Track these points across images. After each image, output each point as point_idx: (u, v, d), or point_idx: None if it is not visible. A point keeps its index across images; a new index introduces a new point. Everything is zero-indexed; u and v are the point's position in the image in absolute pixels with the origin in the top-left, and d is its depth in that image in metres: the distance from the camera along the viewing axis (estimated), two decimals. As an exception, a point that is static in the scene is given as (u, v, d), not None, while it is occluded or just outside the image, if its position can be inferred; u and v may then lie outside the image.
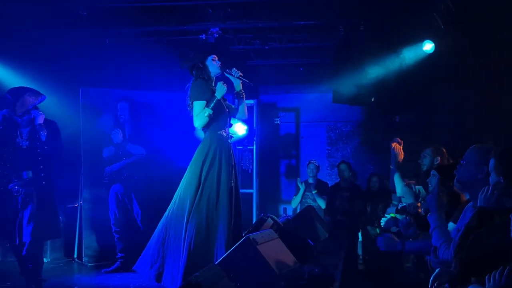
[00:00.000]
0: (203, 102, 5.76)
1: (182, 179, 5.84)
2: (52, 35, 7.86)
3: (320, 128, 11.12)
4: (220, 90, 5.80)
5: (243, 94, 6.07)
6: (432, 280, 3.35)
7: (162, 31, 8.68)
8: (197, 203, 5.65)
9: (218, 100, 5.84)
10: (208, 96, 5.79)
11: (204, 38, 8.53)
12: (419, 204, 5.35)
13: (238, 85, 6.04)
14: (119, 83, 8.37)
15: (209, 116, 5.74)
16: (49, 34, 7.84)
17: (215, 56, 5.95)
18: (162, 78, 8.53)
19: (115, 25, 8.31)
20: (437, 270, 3.38)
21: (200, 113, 5.74)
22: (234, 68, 5.98)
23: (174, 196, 5.84)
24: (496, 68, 8.99)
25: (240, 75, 5.95)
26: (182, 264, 5.48)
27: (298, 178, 9.62)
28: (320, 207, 9.11)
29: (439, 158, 5.82)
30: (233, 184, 5.93)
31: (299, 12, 8.22)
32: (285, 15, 8.30)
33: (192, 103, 5.82)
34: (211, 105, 5.75)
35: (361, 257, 9.08)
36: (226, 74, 5.99)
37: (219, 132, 5.86)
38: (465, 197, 4.17)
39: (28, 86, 6.42)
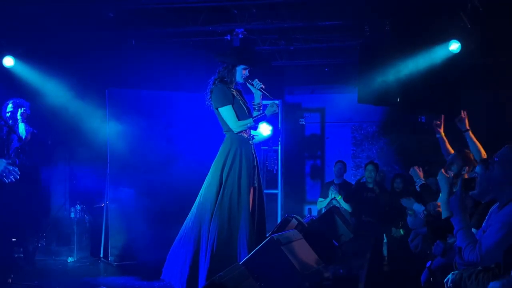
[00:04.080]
0: (230, 106, 5.81)
1: (205, 181, 5.89)
2: (79, 36, 7.95)
3: (345, 129, 11.08)
4: (270, 109, 5.84)
5: (261, 107, 6.05)
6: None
7: (187, 32, 8.73)
8: (219, 204, 5.68)
9: (239, 102, 5.88)
10: (231, 100, 5.84)
11: (229, 39, 8.57)
12: (438, 204, 5.30)
13: (258, 97, 6.04)
14: (145, 84, 8.43)
15: (250, 127, 5.86)
16: (75, 36, 7.92)
17: (247, 67, 5.97)
18: (188, 79, 8.57)
19: (141, 26, 8.38)
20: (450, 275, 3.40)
21: (238, 121, 5.81)
22: (257, 80, 5.98)
23: (197, 198, 5.89)
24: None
25: (262, 87, 5.96)
26: (206, 264, 5.52)
27: (331, 187, 9.51)
28: (346, 209, 9.08)
29: (466, 168, 5.68)
30: (256, 185, 5.95)
31: (324, 12, 8.20)
32: (310, 16, 8.29)
33: (217, 109, 5.87)
34: (255, 118, 5.86)
35: (386, 258, 9.02)
36: (248, 85, 6.02)
37: (240, 133, 5.88)
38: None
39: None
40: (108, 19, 7.87)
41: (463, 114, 6.12)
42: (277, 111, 5.92)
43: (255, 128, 6.10)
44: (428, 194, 6.01)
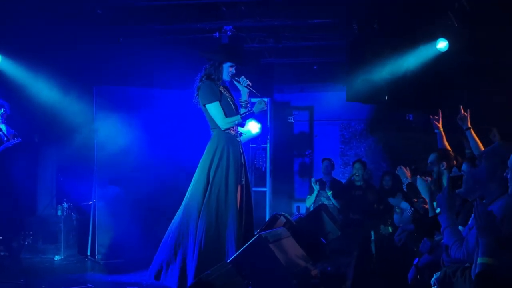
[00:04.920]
0: (217, 103, 5.81)
1: (193, 178, 5.88)
2: (66, 33, 7.89)
3: (334, 127, 11.11)
4: (258, 106, 5.85)
5: (248, 105, 6.04)
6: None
7: (176, 30, 8.70)
8: (206, 201, 5.69)
9: (227, 99, 5.87)
10: (218, 97, 5.83)
11: (218, 36, 8.54)
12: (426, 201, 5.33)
13: (244, 94, 6.02)
14: (133, 81, 8.39)
15: (238, 124, 5.86)
16: (62, 33, 7.87)
17: (234, 65, 5.95)
18: (176, 77, 8.54)
19: (129, 23, 8.33)
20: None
21: (225, 118, 5.80)
22: (243, 77, 5.97)
23: (185, 196, 5.88)
24: (511, 66, 8.90)
25: (249, 85, 5.94)
26: (194, 262, 5.51)
27: (312, 179, 9.59)
28: (335, 205, 9.10)
29: (444, 163, 5.74)
30: (243, 182, 5.95)
31: (313, 11, 8.20)
32: (299, 14, 8.28)
33: (204, 105, 5.86)
34: (243, 115, 5.85)
35: (374, 255, 9.05)
36: (235, 82, 6.01)
37: (227, 131, 5.87)
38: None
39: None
40: (96, 16, 7.82)
41: (464, 112, 6.10)
42: (265, 108, 5.92)
43: (243, 125, 6.09)
44: (414, 193, 6.04)
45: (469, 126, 5.97)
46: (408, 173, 6.18)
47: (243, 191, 5.94)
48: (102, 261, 7.73)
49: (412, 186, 6.04)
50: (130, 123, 7.97)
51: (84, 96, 8.14)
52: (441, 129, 6.37)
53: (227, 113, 5.85)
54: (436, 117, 6.39)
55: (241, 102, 6.04)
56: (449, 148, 6.24)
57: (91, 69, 8.21)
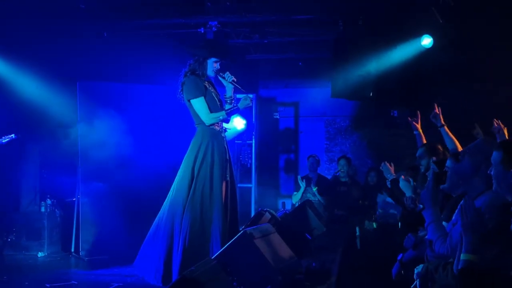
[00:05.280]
0: (202, 98, 5.79)
1: (177, 174, 5.86)
2: (49, 28, 7.82)
3: (319, 123, 11.12)
4: (244, 102, 5.85)
5: (233, 101, 6.02)
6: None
7: (160, 25, 8.64)
8: (191, 198, 5.68)
9: (211, 94, 5.85)
10: (203, 92, 5.81)
11: (202, 31, 8.51)
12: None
13: (229, 90, 6.01)
14: (117, 77, 8.33)
15: (222, 120, 5.84)
16: (46, 27, 7.80)
17: (218, 60, 5.93)
18: (161, 72, 8.49)
19: (113, 18, 8.27)
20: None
21: (210, 114, 5.79)
22: (228, 72, 5.95)
23: (170, 192, 5.86)
24: (495, 63, 8.96)
25: (233, 80, 5.92)
26: (178, 258, 5.50)
27: (299, 176, 9.59)
28: (321, 201, 9.11)
29: (434, 158, 5.78)
30: (228, 178, 5.94)
31: (298, 6, 8.19)
32: (284, 9, 8.27)
33: (189, 101, 5.85)
34: (228, 111, 5.84)
35: (359, 251, 9.08)
36: (220, 78, 5.99)
37: (211, 126, 5.85)
38: None
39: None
40: (80, 10, 7.75)
41: (437, 110, 6.16)
42: (250, 104, 5.91)
43: (228, 121, 6.08)
44: (398, 188, 6.06)
45: (443, 123, 6.06)
46: (392, 169, 6.21)
47: (228, 187, 5.93)
48: (86, 258, 7.68)
49: (396, 182, 6.06)
50: (114, 119, 7.90)
51: (67, 92, 8.05)
52: (420, 130, 6.42)
53: (212, 109, 5.83)
54: (415, 119, 6.43)
55: (226, 98, 6.03)
56: None
57: (75, 64, 8.13)
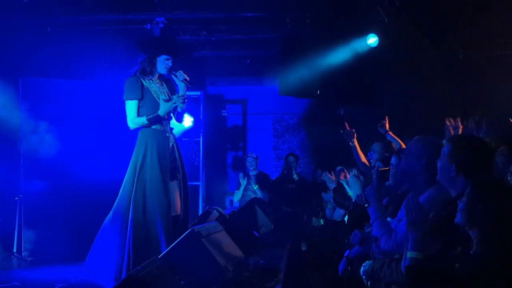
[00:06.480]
0: (134, 102, 5.75)
1: (124, 177, 5.85)
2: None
3: (267, 121, 11.16)
4: (163, 107, 5.72)
5: (185, 99, 5.91)
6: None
7: (106, 20, 8.50)
8: (133, 200, 5.64)
9: (151, 96, 5.80)
10: (139, 94, 5.75)
11: (149, 28, 8.41)
12: None
13: (182, 89, 5.88)
14: (61, 72, 8.16)
15: (146, 125, 5.75)
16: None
17: (169, 58, 5.85)
18: (106, 69, 8.36)
19: (57, 13, 8.09)
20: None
21: (134, 119, 5.75)
22: (181, 71, 5.86)
23: (118, 195, 5.83)
24: (439, 61, 9.21)
25: (185, 79, 5.84)
26: (125, 260, 5.50)
27: (240, 174, 9.59)
28: (262, 199, 9.14)
29: (387, 154, 5.91)
30: (180, 177, 5.91)
31: (246, 4, 8.20)
32: (232, 7, 8.26)
33: (125, 100, 5.82)
34: (150, 117, 5.72)
35: (305, 248, 9.16)
36: (172, 76, 5.93)
37: (153, 127, 5.81)
38: None
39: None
40: (22, 5, 7.55)
41: (386, 121, 6.51)
42: (169, 109, 5.78)
43: (180, 120, 6.10)
44: (341, 195, 6.21)
45: (387, 129, 6.48)
46: (333, 177, 6.36)
47: (181, 186, 5.91)
48: (29, 258, 7.51)
49: (339, 189, 6.19)
50: (58, 116, 7.77)
51: (9, 88, 7.84)
52: (356, 143, 6.72)
53: (146, 110, 5.76)
54: (383, 122, 6.62)
55: (178, 97, 5.94)
56: (364, 160, 6.59)
57: (17, 60, 7.94)
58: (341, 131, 6.81)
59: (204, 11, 8.32)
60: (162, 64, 5.84)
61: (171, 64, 5.87)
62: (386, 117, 6.58)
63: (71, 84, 8.07)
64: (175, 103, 5.77)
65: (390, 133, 6.47)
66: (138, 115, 5.78)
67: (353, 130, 6.71)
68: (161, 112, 5.73)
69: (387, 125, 6.51)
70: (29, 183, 7.79)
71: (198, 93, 9.68)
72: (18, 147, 7.76)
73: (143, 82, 5.82)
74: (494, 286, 2.54)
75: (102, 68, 8.33)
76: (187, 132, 9.63)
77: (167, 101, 5.84)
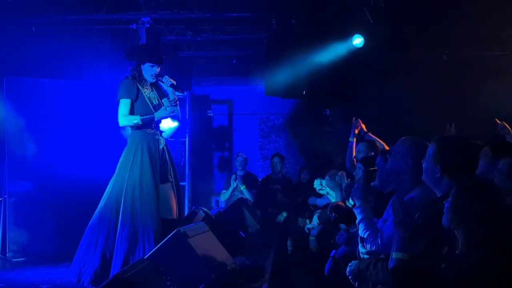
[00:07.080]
0: (128, 101, 5.80)
1: (111, 178, 5.86)
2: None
3: (253, 121, 11.17)
4: (161, 113, 5.84)
5: (177, 103, 6.00)
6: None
7: (92, 20, 8.46)
8: (123, 201, 5.65)
9: (144, 99, 5.84)
10: (133, 95, 5.80)
11: (135, 28, 8.38)
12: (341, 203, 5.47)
13: (171, 94, 5.97)
14: (46, 72, 8.11)
15: (137, 124, 5.78)
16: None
17: (153, 65, 5.88)
18: (92, 68, 8.32)
19: (43, 12, 8.04)
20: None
21: (127, 116, 5.79)
22: (167, 76, 5.91)
23: (104, 195, 5.83)
24: (425, 62, 9.28)
25: (172, 84, 5.88)
26: (112, 261, 5.50)
27: (233, 175, 9.55)
28: (249, 199, 9.14)
29: (372, 153, 5.94)
30: (171, 179, 5.97)
31: (232, 4, 8.20)
32: (218, 7, 8.27)
33: (119, 100, 5.84)
34: (144, 118, 5.76)
35: (291, 249, 9.18)
36: (159, 82, 5.97)
37: (143, 129, 5.85)
38: None
39: None
40: (7, 4, 7.49)
41: (359, 123, 6.57)
42: (166, 116, 5.91)
43: (172, 119, 6.16)
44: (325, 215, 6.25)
45: (365, 131, 6.56)
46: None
47: (173, 188, 5.94)
48: (14, 259, 7.45)
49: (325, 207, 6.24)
50: (44, 116, 7.69)
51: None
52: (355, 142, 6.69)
53: (142, 111, 5.82)
54: (356, 123, 6.65)
55: (170, 102, 5.98)
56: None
57: (1, 59, 7.86)
58: (354, 118, 6.65)
59: (190, 11, 8.31)
60: (148, 71, 5.90)
61: (157, 71, 5.89)
62: (359, 119, 6.57)
63: (56, 83, 8.01)
64: (167, 108, 5.86)
65: (370, 133, 6.53)
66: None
67: (362, 125, 6.62)
68: (157, 116, 5.84)
69: (363, 127, 6.54)
70: (13, 184, 7.71)
71: (184, 93, 9.67)
72: (2, 147, 7.69)
73: (138, 85, 5.88)
74: (480, 286, 2.56)
75: (88, 68, 8.29)
76: (173, 133, 9.61)
77: (158, 106, 5.91)
